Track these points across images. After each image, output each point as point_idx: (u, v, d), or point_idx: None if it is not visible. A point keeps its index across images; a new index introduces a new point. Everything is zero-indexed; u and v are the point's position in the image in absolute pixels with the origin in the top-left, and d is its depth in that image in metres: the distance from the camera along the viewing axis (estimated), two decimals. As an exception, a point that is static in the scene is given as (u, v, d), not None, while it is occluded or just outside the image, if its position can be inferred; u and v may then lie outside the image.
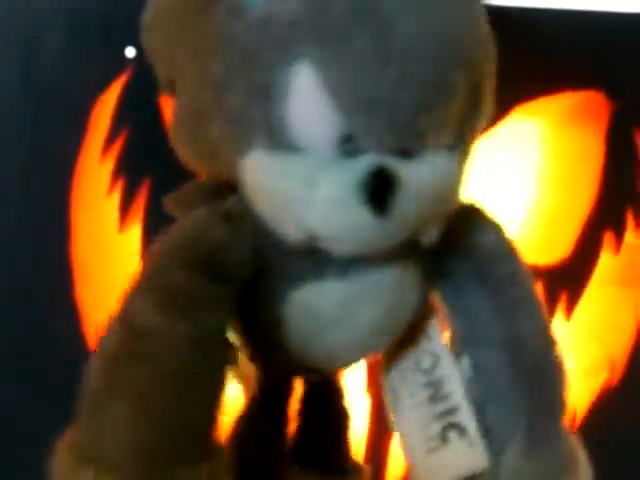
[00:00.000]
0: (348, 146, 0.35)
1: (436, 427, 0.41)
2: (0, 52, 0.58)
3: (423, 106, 0.34)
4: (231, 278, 0.39)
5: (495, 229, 0.42)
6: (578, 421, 0.64)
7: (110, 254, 0.58)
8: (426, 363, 0.43)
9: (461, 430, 0.40)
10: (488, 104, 0.38)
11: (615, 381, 0.66)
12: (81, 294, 0.59)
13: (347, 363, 0.43)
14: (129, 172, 0.57)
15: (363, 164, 0.34)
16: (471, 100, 0.36)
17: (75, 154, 0.57)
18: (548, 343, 0.41)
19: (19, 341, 0.60)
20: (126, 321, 0.37)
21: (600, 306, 0.65)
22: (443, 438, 0.41)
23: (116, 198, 0.57)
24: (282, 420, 0.49)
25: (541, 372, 0.41)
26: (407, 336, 0.43)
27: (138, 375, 0.36)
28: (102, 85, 0.56)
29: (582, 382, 0.66)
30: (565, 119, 0.63)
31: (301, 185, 0.35)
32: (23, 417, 0.60)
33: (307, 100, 0.35)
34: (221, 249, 0.38)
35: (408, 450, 0.42)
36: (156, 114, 0.55)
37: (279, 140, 0.35)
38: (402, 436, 0.43)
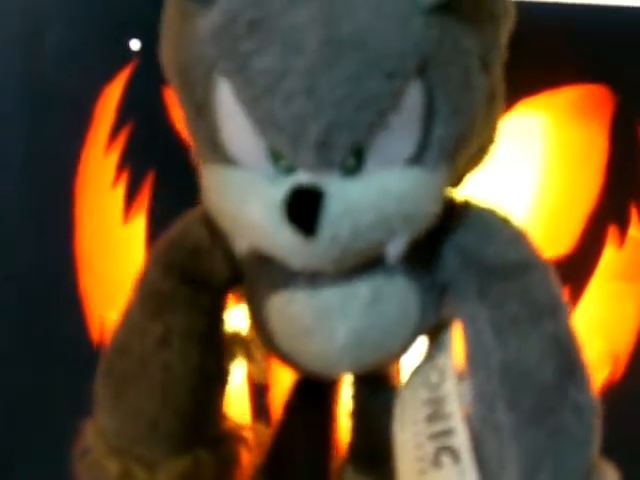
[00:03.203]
0: (281, 163, 0.34)
1: (430, 448, 0.38)
2: (3, 44, 0.58)
3: (336, 122, 0.32)
4: (206, 281, 0.40)
5: (504, 240, 0.39)
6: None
7: (114, 246, 0.59)
8: (434, 378, 0.40)
9: (455, 455, 0.37)
10: (451, 125, 0.34)
11: (618, 375, 0.65)
12: (85, 286, 0.59)
13: (340, 371, 0.43)
14: (134, 164, 0.57)
15: (289, 183, 0.33)
16: (424, 109, 0.33)
17: (80, 146, 0.57)
18: (547, 372, 0.36)
19: (23, 334, 0.61)
20: (121, 316, 0.41)
21: (603, 300, 0.65)
22: (435, 461, 0.38)
23: (121, 190, 0.57)
24: (323, 414, 0.48)
25: (537, 407, 0.36)
26: (428, 348, 0.42)
27: (121, 367, 0.40)
28: (107, 77, 0.56)
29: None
30: (569, 113, 0.63)
31: (236, 199, 0.35)
32: (26, 410, 0.61)
33: (231, 116, 0.34)
34: (197, 253, 0.40)
35: (400, 468, 0.39)
36: (161, 106, 0.55)
37: (219, 154, 0.35)
38: (397, 453, 0.40)
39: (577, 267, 0.63)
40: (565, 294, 0.61)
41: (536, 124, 0.63)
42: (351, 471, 0.49)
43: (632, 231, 0.64)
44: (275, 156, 0.34)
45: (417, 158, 0.34)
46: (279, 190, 0.33)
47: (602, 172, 0.63)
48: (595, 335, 0.66)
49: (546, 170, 0.64)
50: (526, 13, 0.58)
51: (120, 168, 0.57)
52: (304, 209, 0.33)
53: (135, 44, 0.55)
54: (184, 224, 0.42)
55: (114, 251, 0.58)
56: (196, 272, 0.40)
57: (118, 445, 0.40)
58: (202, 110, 0.35)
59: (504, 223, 0.40)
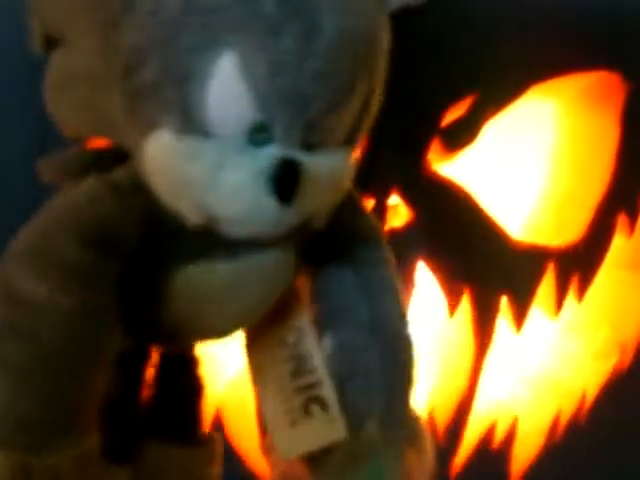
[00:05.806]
0: (259, 136, 0.36)
1: (298, 400, 0.42)
2: (7, 20, 0.58)
3: (333, 104, 0.36)
4: (118, 253, 0.38)
5: (368, 216, 0.45)
6: (588, 404, 0.64)
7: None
8: (291, 338, 0.44)
9: (323, 404, 0.41)
10: (374, 109, 0.39)
11: (626, 364, 0.66)
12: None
13: (220, 336, 0.43)
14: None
15: (270, 154, 0.36)
16: (365, 103, 0.38)
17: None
18: (404, 327, 0.44)
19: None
20: (6, 290, 0.36)
21: (612, 289, 0.65)
22: (305, 411, 0.41)
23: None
24: (136, 385, 0.48)
25: (398, 354, 0.43)
26: (275, 311, 0.43)
27: (19, 349, 0.35)
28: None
29: (592, 365, 0.66)
30: (580, 100, 0.62)
31: (208, 169, 0.36)
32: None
33: (225, 87, 0.35)
34: (110, 224, 0.38)
35: (270, 422, 0.42)
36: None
37: (191, 123, 0.35)
38: (264, 408, 0.43)
39: (586, 255, 0.63)
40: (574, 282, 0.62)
41: (547, 111, 0.63)
42: (155, 442, 0.48)
43: (642, 220, 0.64)
44: (257, 129, 0.35)
45: (350, 138, 0.38)
46: (257, 161, 0.35)
47: (613, 160, 0.63)
48: (603, 324, 0.66)
49: (556, 157, 0.64)
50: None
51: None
52: (287, 180, 0.35)
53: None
54: (87, 194, 0.39)
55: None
56: (108, 243, 0.38)
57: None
58: (185, 79, 0.35)
59: (361, 202, 0.45)
